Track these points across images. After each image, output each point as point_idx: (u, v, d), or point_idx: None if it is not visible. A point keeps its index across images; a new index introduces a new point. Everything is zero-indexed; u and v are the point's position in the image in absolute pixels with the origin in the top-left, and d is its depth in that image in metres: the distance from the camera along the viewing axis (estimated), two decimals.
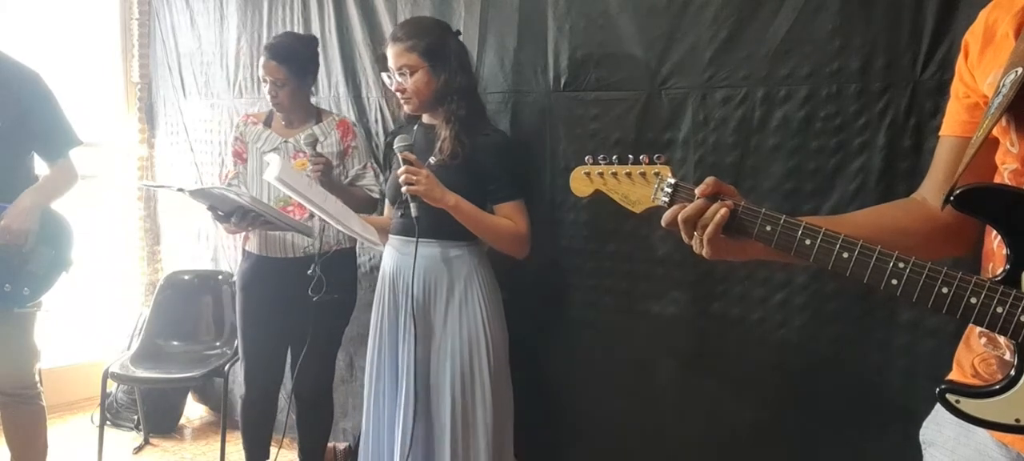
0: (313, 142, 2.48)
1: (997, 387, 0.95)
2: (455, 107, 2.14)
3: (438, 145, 2.16)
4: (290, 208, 2.56)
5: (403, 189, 2.04)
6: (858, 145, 1.83)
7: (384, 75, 2.24)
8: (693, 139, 2.08)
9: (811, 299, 1.95)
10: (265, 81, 2.56)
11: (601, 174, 1.26)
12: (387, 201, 2.44)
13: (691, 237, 1.15)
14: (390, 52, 2.18)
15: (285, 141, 2.62)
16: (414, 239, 2.14)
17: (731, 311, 2.08)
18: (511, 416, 2.28)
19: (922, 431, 1.14)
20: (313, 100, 2.74)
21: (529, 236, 2.19)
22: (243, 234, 2.66)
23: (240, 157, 2.69)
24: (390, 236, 2.32)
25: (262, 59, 2.57)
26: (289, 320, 2.64)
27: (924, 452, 1.13)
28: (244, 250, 2.73)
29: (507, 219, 2.16)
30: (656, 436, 2.26)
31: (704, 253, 1.14)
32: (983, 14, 1.06)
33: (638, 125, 2.17)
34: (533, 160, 2.39)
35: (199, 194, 2.40)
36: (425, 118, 2.27)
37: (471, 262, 2.21)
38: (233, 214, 2.39)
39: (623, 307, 2.28)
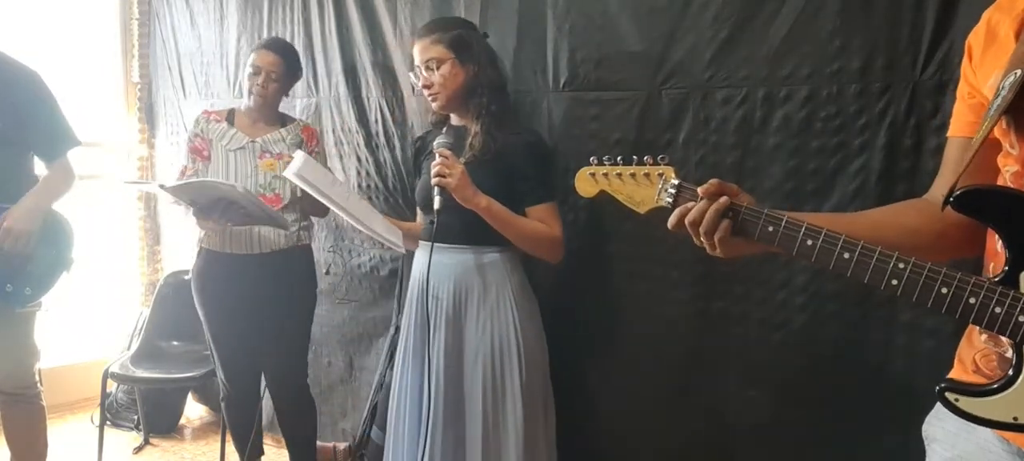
0: (299, 143, 2.50)
1: (995, 386, 0.96)
2: (486, 101, 2.07)
3: (469, 141, 2.06)
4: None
5: (433, 179, 1.96)
6: (858, 145, 1.83)
7: (411, 74, 2.17)
8: (694, 139, 2.08)
9: (811, 299, 1.95)
10: (257, 73, 2.55)
11: (606, 175, 1.26)
12: (418, 207, 2.35)
13: (700, 239, 1.16)
14: (416, 49, 2.12)
15: (252, 140, 2.60)
16: (446, 246, 2.09)
17: (731, 311, 2.08)
18: (551, 426, 2.18)
19: (925, 427, 1.15)
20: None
21: (563, 240, 2.09)
22: (207, 230, 2.57)
23: (201, 154, 2.61)
24: (420, 242, 2.22)
25: (255, 54, 2.58)
26: (255, 316, 2.61)
27: (927, 447, 1.14)
28: (201, 248, 2.66)
29: (540, 222, 2.06)
30: (654, 436, 2.26)
31: (716, 254, 1.16)
32: (985, 15, 1.07)
33: (638, 125, 2.17)
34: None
35: (183, 189, 2.38)
36: (454, 119, 2.19)
37: (504, 268, 2.11)
38: (216, 208, 2.37)
39: (622, 307, 2.28)
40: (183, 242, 3.86)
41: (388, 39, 2.80)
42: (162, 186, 2.43)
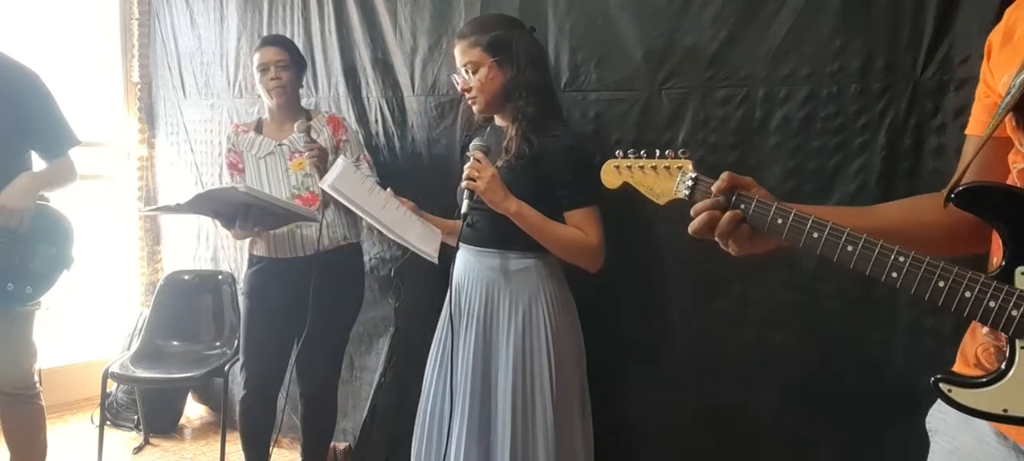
0: (307, 129, 2.48)
1: (985, 379, 0.99)
2: (523, 105, 1.99)
3: (504, 145, 2.01)
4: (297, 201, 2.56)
5: (463, 182, 1.94)
6: (858, 145, 1.83)
7: (454, 76, 2.13)
8: (694, 139, 2.08)
9: (811, 299, 1.95)
10: (265, 69, 2.56)
11: (629, 167, 1.32)
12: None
13: (722, 238, 1.18)
14: (456, 51, 2.07)
15: (279, 144, 2.62)
16: (477, 249, 2.07)
17: (731, 311, 2.08)
18: (588, 432, 2.12)
19: (928, 419, 1.16)
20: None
21: (602, 248, 1.98)
22: (247, 238, 2.62)
23: (236, 168, 2.66)
24: (460, 244, 2.16)
25: (257, 54, 2.59)
26: (295, 320, 2.62)
27: (931, 439, 1.15)
28: (251, 255, 2.71)
29: (576, 229, 1.97)
30: (653, 436, 2.26)
31: (733, 252, 1.18)
32: (1006, 14, 1.08)
33: (638, 125, 2.17)
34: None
35: (194, 203, 2.38)
36: (497, 120, 2.13)
37: (538, 275, 2.03)
38: (237, 216, 2.37)
39: (622, 308, 2.28)
40: (183, 242, 3.86)
41: (388, 39, 2.80)
42: (178, 205, 2.43)
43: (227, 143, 2.70)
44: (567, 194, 1.98)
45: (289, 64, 2.59)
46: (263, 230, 2.52)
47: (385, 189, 2.13)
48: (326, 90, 3.03)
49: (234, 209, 2.39)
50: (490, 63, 2.01)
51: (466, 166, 1.96)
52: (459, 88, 2.10)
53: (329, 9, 2.98)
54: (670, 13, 2.09)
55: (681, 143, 2.09)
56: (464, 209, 1.96)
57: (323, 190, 2.08)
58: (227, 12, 3.43)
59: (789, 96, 1.92)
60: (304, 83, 3.08)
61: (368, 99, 2.92)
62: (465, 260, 2.12)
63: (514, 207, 1.94)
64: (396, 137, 2.84)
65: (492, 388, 2.06)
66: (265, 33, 3.23)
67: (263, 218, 2.41)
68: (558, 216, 2.00)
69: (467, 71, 2.04)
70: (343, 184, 2.01)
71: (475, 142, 1.99)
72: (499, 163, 1.99)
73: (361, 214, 2.11)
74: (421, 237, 2.09)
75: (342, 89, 2.98)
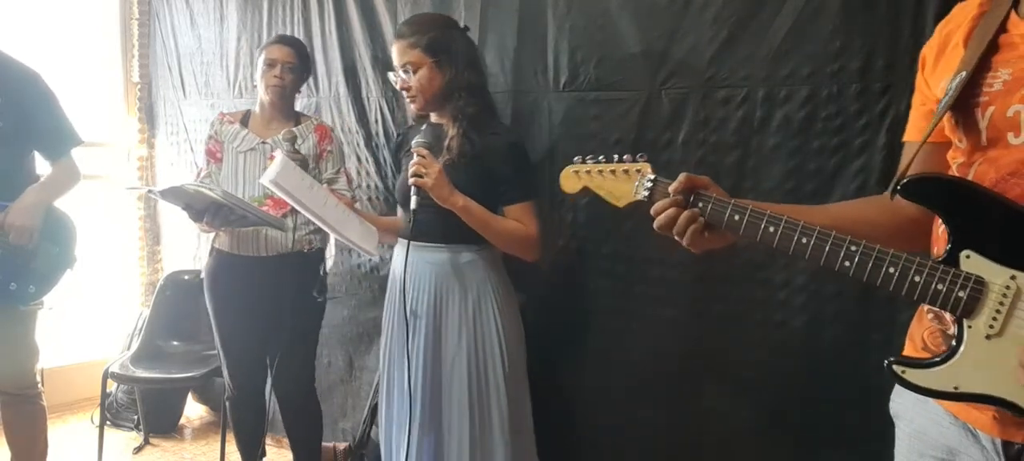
0: (292, 139, 2.46)
1: (937, 359, 1.04)
2: (463, 104, 2.06)
3: (446, 143, 2.07)
4: (266, 205, 2.55)
5: (410, 179, 1.98)
6: (859, 145, 1.84)
7: (391, 74, 2.18)
8: (694, 139, 2.08)
9: (810, 300, 1.95)
10: (272, 65, 2.56)
11: (588, 172, 1.35)
12: (398, 204, 2.36)
13: (679, 236, 1.24)
14: (394, 50, 2.11)
15: (263, 141, 2.60)
16: (424, 244, 2.11)
17: (731, 312, 2.08)
18: (530, 423, 2.22)
19: (891, 404, 1.20)
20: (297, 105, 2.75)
21: (539, 239, 2.10)
22: (214, 232, 2.60)
23: (214, 156, 2.64)
24: (400, 239, 2.23)
25: (267, 50, 2.59)
26: (263, 319, 2.61)
27: (895, 424, 1.19)
28: (213, 247, 2.68)
29: (516, 222, 2.07)
30: (655, 437, 2.26)
31: (692, 250, 1.24)
32: (938, 28, 1.16)
33: (638, 125, 2.17)
34: (532, 160, 2.38)
35: (170, 193, 2.39)
36: (433, 117, 2.18)
37: (484, 267, 2.12)
38: (206, 212, 2.38)
39: (621, 308, 2.28)
40: (183, 242, 3.86)
41: (388, 39, 2.80)
42: (151, 191, 2.43)
43: (210, 129, 2.68)
44: (508, 189, 2.07)
45: (295, 67, 2.60)
46: (224, 227, 2.50)
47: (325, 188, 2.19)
48: (326, 90, 3.03)
49: (205, 205, 2.39)
50: (430, 64, 2.06)
51: (411, 163, 1.99)
52: (398, 87, 2.14)
53: (329, 9, 2.98)
54: (670, 13, 2.09)
55: (681, 143, 2.10)
56: (413, 205, 2.01)
57: (263, 185, 2.09)
58: (227, 12, 3.44)
59: (789, 96, 1.92)
60: (306, 83, 3.08)
61: (368, 99, 2.92)
62: (412, 256, 2.14)
63: (461, 202, 1.99)
64: (396, 137, 2.83)
65: (444, 379, 2.12)
66: (265, 33, 3.24)
67: (230, 217, 2.41)
68: (497, 210, 2.08)
69: (408, 71, 2.08)
70: (284, 180, 2.04)
71: (417, 139, 2.02)
72: (441, 161, 2.03)
73: (301, 211, 2.14)
74: (360, 234, 2.16)
75: (342, 89, 2.98)
